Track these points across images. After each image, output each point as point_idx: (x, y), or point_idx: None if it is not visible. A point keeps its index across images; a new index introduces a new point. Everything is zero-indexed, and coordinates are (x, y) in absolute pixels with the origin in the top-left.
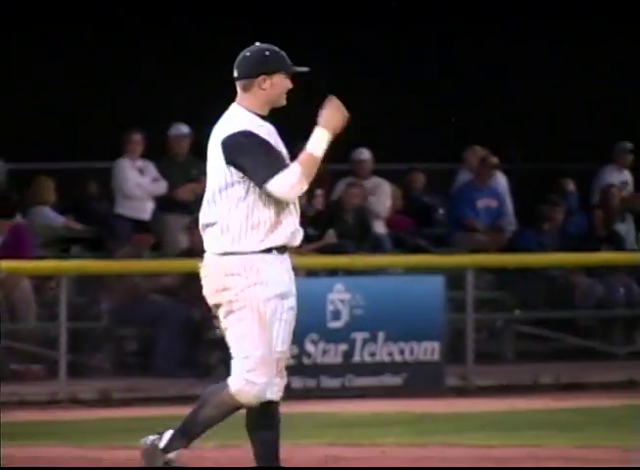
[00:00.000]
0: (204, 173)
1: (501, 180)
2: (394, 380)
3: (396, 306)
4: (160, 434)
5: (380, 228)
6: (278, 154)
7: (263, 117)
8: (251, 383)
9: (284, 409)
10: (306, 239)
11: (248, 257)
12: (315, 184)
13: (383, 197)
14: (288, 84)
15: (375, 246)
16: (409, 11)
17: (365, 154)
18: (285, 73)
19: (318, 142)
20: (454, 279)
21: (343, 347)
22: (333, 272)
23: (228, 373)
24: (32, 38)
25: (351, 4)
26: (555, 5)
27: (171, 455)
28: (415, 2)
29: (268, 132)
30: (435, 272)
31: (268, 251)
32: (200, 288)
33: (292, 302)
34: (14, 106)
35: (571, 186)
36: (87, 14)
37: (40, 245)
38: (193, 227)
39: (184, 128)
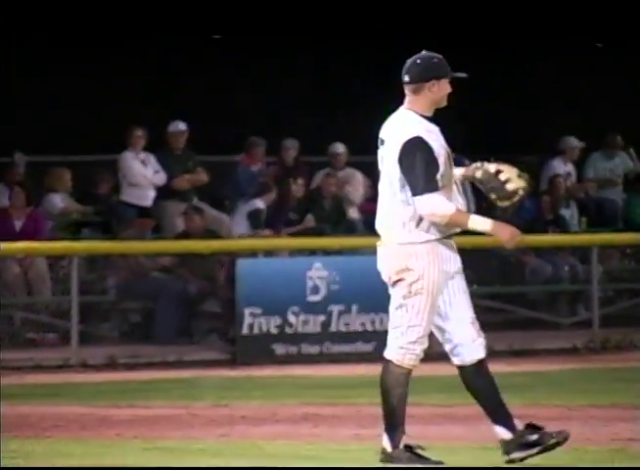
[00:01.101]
0: (199, 165)
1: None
2: (366, 347)
3: (368, 282)
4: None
5: (354, 213)
6: (437, 170)
7: (429, 119)
8: (411, 351)
9: (269, 372)
10: (288, 223)
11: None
12: (294, 175)
13: (356, 185)
14: (449, 88)
15: (349, 229)
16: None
17: (340, 148)
18: (448, 78)
19: (477, 223)
20: None
21: (322, 318)
22: (312, 252)
23: (219, 340)
24: (48, 47)
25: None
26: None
27: (402, 444)
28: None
29: (436, 136)
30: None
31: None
32: (194, 266)
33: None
34: (33, 106)
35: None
36: (93, 31)
37: (55, 228)
38: (189, 213)
39: (181, 125)
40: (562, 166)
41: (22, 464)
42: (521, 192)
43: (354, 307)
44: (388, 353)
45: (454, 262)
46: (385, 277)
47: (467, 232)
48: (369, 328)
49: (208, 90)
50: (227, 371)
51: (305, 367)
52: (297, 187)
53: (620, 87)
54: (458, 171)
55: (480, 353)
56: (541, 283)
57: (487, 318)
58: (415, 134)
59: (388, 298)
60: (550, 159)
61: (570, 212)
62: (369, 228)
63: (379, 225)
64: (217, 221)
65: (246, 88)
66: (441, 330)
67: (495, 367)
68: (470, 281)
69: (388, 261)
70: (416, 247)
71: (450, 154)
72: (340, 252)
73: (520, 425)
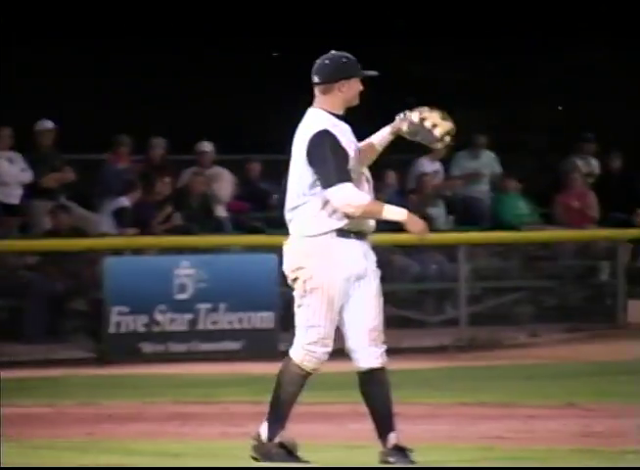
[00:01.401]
0: (66, 164)
1: None
2: (234, 345)
3: (236, 281)
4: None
5: (221, 212)
6: (347, 162)
7: (339, 117)
8: (311, 353)
9: (136, 371)
10: (155, 221)
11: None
12: (161, 173)
13: (224, 184)
14: (360, 87)
15: (217, 227)
16: None
17: (207, 146)
18: (359, 77)
19: (392, 213)
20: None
21: (189, 316)
22: (180, 251)
23: (86, 339)
24: None
25: None
26: None
27: (278, 440)
28: None
29: (341, 131)
30: (270, 251)
31: (340, 233)
32: (61, 264)
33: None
34: None
35: (392, 178)
36: None
37: None
38: (56, 211)
39: (48, 123)
40: (429, 165)
41: None
42: (448, 136)
43: (222, 306)
44: (291, 351)
45: (361, 263)
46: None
47: None
48: (237, 326)
49: (76, 89)
50: (94, 370)
51: (173, 366)
52: (164, 185)
53: (489, 89)
54: (385, 130)
55: (372, 363)
56: (409, 281)
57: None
58: (321, 128)
59: (256, 296)
60: (417, 157)
61: (437, 211)
62: (237, 227)
63: (288, 220)
64: (85, 219)
65: (112, 86)
66: (342, 331)
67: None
68: None
69: (286, 259)
70: (315, 242)
71: (360, 151)
72: (207, 250)
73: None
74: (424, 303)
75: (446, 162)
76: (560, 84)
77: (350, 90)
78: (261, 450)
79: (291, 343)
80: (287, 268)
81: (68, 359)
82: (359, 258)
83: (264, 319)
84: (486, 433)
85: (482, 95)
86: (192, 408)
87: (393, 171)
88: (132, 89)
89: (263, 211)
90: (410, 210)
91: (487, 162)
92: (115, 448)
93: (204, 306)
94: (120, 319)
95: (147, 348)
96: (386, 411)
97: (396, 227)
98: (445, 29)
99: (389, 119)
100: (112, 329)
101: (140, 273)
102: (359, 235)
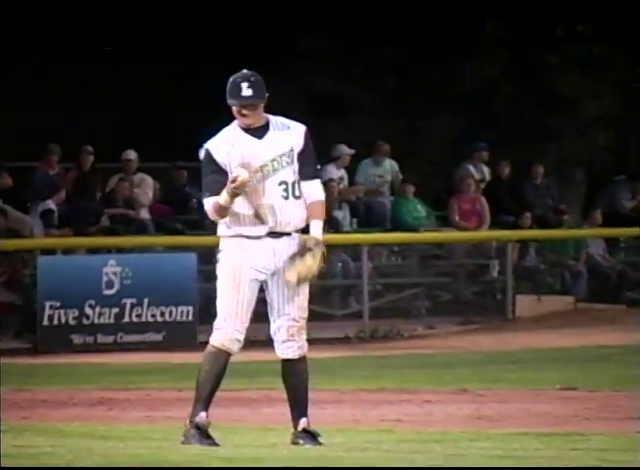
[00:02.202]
0: (3, 170)
1: None
2: (157, 337)
3: (159, 278)
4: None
5: (144, 214)
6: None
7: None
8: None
9: (67, 360)
10: (86, 223)
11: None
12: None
13: (146, 189)
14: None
15: (140, 229)
16: None
17: (132, 154)
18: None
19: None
20: (205, 256)
21: (115, 310)
22: (107, 250)
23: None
24: None
25: None
26: None
27: (196, 420)
28: None
29: (233, 142)
30: (190, 250)
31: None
32: None
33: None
34: None
35: None
36: None
37: None
38: None
39: None
40: (335, 172)
41: None
42: (301, 277)
43: (145, 300)
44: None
45: (270, 260)
46: None
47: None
48: (159, 319)
49: (10, 100)
50: (29, 359)
51: (101, 355)
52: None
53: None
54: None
55: (287, 355)
56: None
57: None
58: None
59: (177, 292)
60: (324, 164)
61: (342, 214)
62: (159, 228)
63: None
64: (20, 222)
65: (47, 96)
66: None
67: (273, 355)
68: None
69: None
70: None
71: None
72: (132, 250)
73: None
74: (330, 297)
75: (351, 168)
76: (455, 98)
77: (234, 113)
78: (186, 436)
79: (208, 334)
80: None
81: (5, 350)
82: (270, 254)
83: (184, 313)
84: (386, 416)
85: (387, 109)
86: (118, 394)
87: None
88: (65, 97)
89: (185, 214)
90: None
91: (390, 169)
92: (49, 431)
93: (129, 301)
94: (53, 313)
95: (77, 339)
96: (300, 398)
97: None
98: (354, 44)
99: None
100: (45, 322)
101: (71, 271)
102: (275, 234)
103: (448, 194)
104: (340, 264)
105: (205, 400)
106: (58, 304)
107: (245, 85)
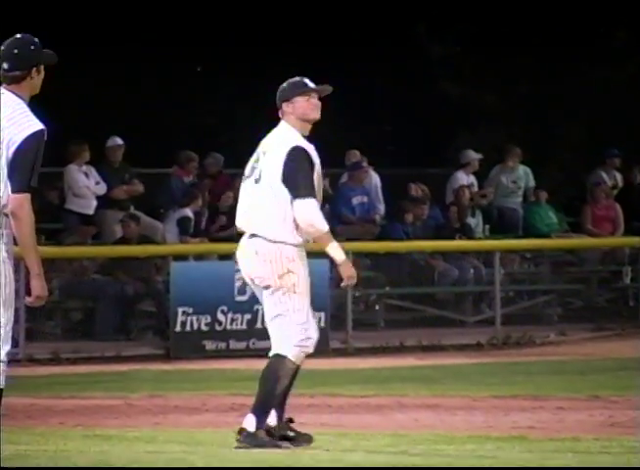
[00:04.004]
0: (135, 177)
1: (375, 179)
2: None
3: None
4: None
5: None
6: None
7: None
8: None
9: (200, 366)
10: (219, 229)
11: None
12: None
13: None
14: (313, 102)
15: None
16: None
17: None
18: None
19: (335, 251)
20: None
21: (248, 316)
22: None
23: (154, 337)
24: None
25: None
26: None
27: (269, 425)
28: None
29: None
30: (321, 257)
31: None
32: (131, 269)
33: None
34: None
35: (423, 188)
36: None
37: None
38: (126, 220)
39: (118, 140)
40: (465, 178)
41: None
42: None
43: None
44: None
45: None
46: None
47: (383, 238)
48: None
49: (144, 108)
50: (161, 365)
51: (233, 361)
52: (226, 197)
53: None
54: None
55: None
56: (448, 284)
57: (399, 316)
58: (294, 144)
59: (317, 297)
60: (454, 171)
61: (475, 221)
62: None
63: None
64: (152, 228)
65: (176, 106)
66: None
67: (405, 361)
68: (383, 283)
69: (260, 264)
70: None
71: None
72: None
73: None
74: (462, 304)
75: (482, 175)
76: (585, 103)
77: (297, 108)
78: (254, 441)
79: (341, 341)
80: (267, 273)
81: (138, 356)
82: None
83: (317, 319)
84: (519, 423)
85: (519, 115)
86: (250, 400)
87: (428, 184)
88: (193, 109)
89: None
90: (450, 219)
91: (522, 175)
92: (181, 437)
93: (261, 307)
94: (185, 319)
95: (209, 345)
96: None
97: (437, 235)
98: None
99: None
100: (177, 328)
101: (203, 277)
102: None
103: (580, 201)
104: (472, 271)
105: (279, 406)
106: (190, 310)
107: (309, 81)
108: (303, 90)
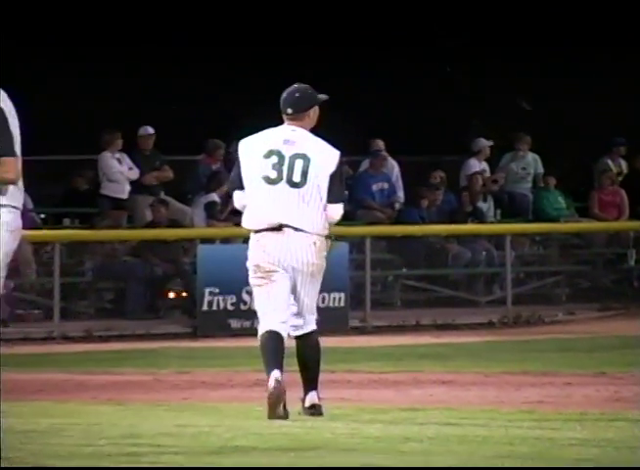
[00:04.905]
0: (165, 163)
1: (395, 166)
2: None
3: None
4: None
5: None
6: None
7: None
8: None
9: (225, 344)
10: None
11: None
12: None
13: None
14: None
15: None
16: None
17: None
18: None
19: None
20: (356, 245)
21: None
22: None
23: (182, 316)
24: (32, 50)
25: None
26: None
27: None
28: None
29: None
30: (342, 239)
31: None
32: (160, 251)
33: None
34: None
35: (441, 175)
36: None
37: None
38: (156, 205)
39: (150, 129)
40: (477, 165)
41: (12, 423)
42: None
43: None
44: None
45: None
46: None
47: (400, 222)
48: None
49: (175, 98)
50: (189, 343)
51: (257, 339)
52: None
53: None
54: None
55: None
56: (462, 266)
57: (415, 296)
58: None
59: (329, 278)
60: (467, 158)
61: (486, 205)
62: None
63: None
64: (181, 212)
65: (205, 97)
66: None
67: (421, 339)
68: (400, 264)
69: (304, 252)
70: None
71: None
72: None
73: None
74: (475, 285)
75: (492, 161)
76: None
77: (316, 115)
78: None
79: (361, 320)
80: (306, 261)
81: (166, 334)
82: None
83: (336, 299)
84: (529, 398)
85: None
86: (285, 376)
87: (443, 171)
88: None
89: None
90: (463, 204)
91: (531, 161)
92: (207, 411)
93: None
94: (212, 299)
95: (235, 323)
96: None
97: (450, 219)
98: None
99: None
100: (204, 307)
101: (229, 259)
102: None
103: (587, 187)
104: (484, 253)
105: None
106: (217, 290)
107: None
108: (321, 100)
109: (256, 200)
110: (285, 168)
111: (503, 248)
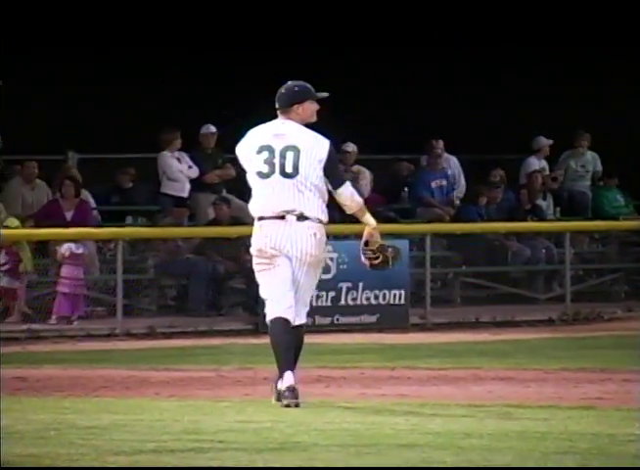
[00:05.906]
0: (227, 161)
1: (453, 161)
2: (371, 318)
3: None
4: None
5: None
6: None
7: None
8: None
9: None
10: None
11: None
12: None
13: (363, 182)
14: (316, 106)
15: (354, 217)
16: None
17: (350, 146)
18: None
19: (369, 218)
20: (416, 242)
21: (332, 293)
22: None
23: (243, 313)
24: (94, 52)
25: None
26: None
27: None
28: None
29: None
30: (402, 237)
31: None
32: (222, 249)
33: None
34: (85, 113)
35: (501, 173)
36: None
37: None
38: (218, 203)
39: (212, 127)
40: (537, 163)
41: (74, 419)
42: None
43: (360, 284)
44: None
45: None
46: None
47: (459, 220)
48: (373, 302)
49: (237, 97)
50: (251, 339)
51: (319, 336)
52: None
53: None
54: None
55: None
56: (521, 263)
57: (475, 294)
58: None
59: (390, 276)
60: (527, 157)
61: (546, 203)
62: (372, 216)
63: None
64: (242, 210)
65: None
66: None
67: (480, 336)
68: (459, 261)
69: (311, 241)
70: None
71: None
72: (347, 236)
73: None
74: (534, 282)
75: (551, 159)
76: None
77: (306, 111)
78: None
79: (421, 317)
80: (305, 251)
81: (228, 330)
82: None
83: (397, 296)
84: (587, 394)
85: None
86: (335, 372)
87: (503, 169)
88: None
89: (397, 203)
90: (522, 202)
91: (590, 159)
92: (269, 408)
93: (345, 285)
94: None
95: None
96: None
97: (510, 217)
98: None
99: None
100: None
101: None
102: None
103: None
104: (544, 251)
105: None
106: None
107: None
108: (313, 96)
109: (257, 193)
110: (276, 161)
111: (562, 245)
